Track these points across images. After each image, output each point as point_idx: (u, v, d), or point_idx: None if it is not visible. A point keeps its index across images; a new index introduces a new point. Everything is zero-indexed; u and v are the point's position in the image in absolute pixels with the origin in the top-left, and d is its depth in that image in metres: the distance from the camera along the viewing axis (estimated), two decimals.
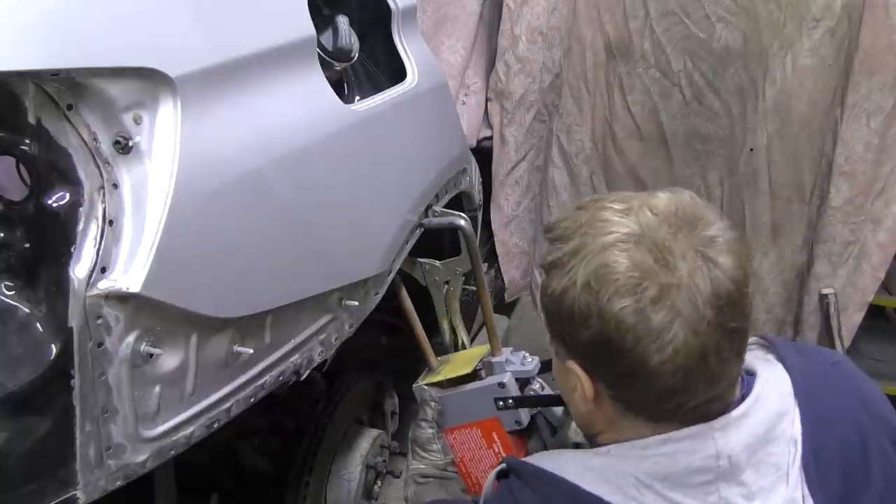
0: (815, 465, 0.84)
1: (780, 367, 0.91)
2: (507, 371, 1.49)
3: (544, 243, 0.89)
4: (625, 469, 0.83)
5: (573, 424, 1.32)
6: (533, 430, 1.45)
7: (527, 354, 1.54)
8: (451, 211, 1.74)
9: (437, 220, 1.66)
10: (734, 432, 0.82)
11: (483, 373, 1.54)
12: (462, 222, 1.64)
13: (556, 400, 1.39)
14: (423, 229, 1.65)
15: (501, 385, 1.44)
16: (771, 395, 0.86)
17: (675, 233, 0.78)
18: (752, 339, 0.97)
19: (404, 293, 1.65)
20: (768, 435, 0.83)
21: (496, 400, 1.42)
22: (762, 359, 0.92)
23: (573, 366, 0.84)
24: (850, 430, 0.87)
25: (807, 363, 0.92)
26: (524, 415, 1.43)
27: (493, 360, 1.53)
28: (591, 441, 0.93)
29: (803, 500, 0.83)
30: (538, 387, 1.49)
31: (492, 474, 0.95)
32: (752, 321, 0.82)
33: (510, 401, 1.42)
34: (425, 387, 1.53)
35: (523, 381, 1.49)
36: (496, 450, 1.44)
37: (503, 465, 0.93)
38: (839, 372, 0.94)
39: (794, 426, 0.85)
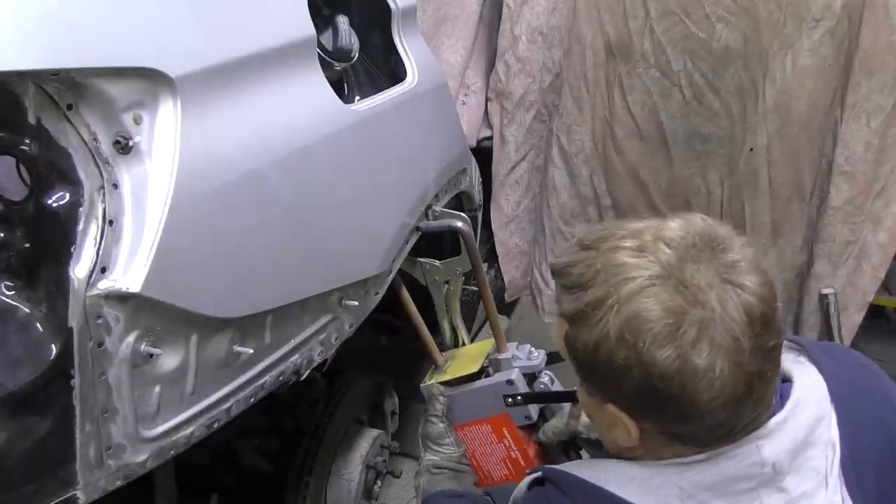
0: (854, 469, 0.84)
1: (813, 369, 0.90)
2: (514, 367, 1.49)
3: (557, 288, 0.86)
4: (668, 479, 0.82)
5: (583, 418, 1.32)
6: (540, 423, 1.45)
7: (532, 348, 1.54)
8: (450, 211, 1.74)
9: (436, 223, 1.66)
10: (776, 438, 0.81)
11: (490, 369, 1.54)
12: (460, 224, 1.64)
13: (565, 396, 1.39)
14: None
15: (509, 382, 1.44)
16: (810, 400, 0.85)
17: (696, 264, 0.77)
18: None
19: (406, 293, 1.65)
20: (808, 439, 0.83)
21: (505, 397, 1.43)
22: (794, 361, 0.92)
23: (613, 409, 0.83)
24: (880, 434, 0.87)
25: (839, 366, 0.91)
26: (533, 410, 1.43)
27: (500, 356, 1.53)
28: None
29: None
30: (547, 380, 1.50)
31: (525, 481, 0.94)
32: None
33: (519, 398, 1.42)
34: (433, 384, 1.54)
35: (531, 376, 1.49)
36: (507, 444, 1.45)
37: (538, 472, 0.92)
38: (868, 375, 0.94)
39: (831, 430, 0.85)
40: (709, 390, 0.75)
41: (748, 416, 0.79)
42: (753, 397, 0.78)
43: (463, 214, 1.78)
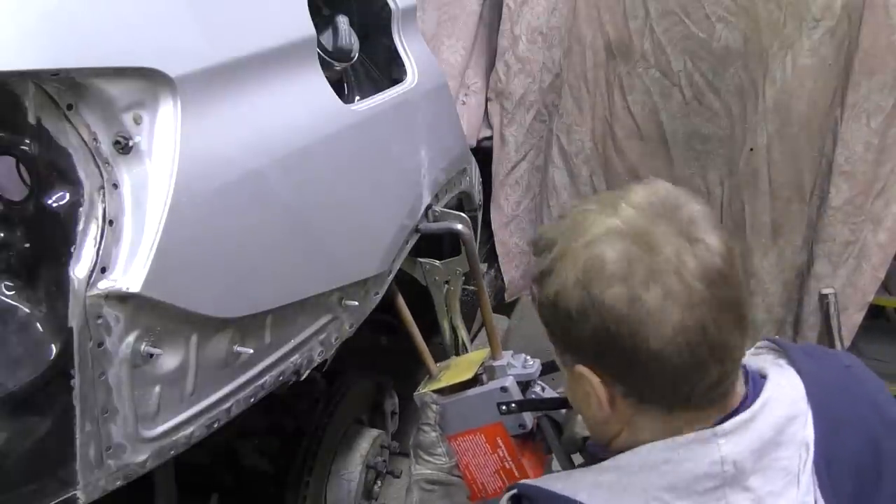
0: (828, 469, 0.84)
1: (792, 371, 0.90)
2: (508, 375, 1.48)
3: (533, 261, 0.90)
4: (633, 481, 0.83)
5: (578, 419, 1.31)
6: (538, 434, 1.44)
7: (528, 357, 1.53)
8: (450, 211, 1.74)
9: (435, 224, 1.65)
10: (739, 437, 0.81)
11: (485, 377, 1.53)
12: (460, 226, 1.63)
13: (560, 403, 1.38)
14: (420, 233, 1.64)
15: (504, 389, 1.43)
16: (781, 400, 0.85)
17: (656, 220, 0.80)
18: (762, 343, 0.98)
19: (401, 301, 1.64)
20: (777, 439, 0.83)
21: (499, 405, 1.41)
22: (773, 363, 0.92)
23: (582, 370, 0.84)
24: (862, 434, 0.87)
25: (819, 367, 0.92)
26: (528, 418, 1.42)
27: (495, 364, 1.51)
28: (605, 449, 0.92)
29: None
30: (539, 389, 1.48)
31: (503, 499, 0.94)
32: (749, 296, 0.83)
33: (513, 405, 1.41)
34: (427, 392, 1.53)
35: (525, 385, 1.48)
36: (501, 454, 1.43)
37: (514, 490, 0.92)
38: (852, 376, 0.94)
39: (805, 430, 0.85)
40: (659, 334, 0.76)
41: (709, 375, 0.80)
42: (710, 349, 0.78)
43: (463, 215, 1.78)
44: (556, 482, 0.89)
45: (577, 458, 1.40)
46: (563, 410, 1.38)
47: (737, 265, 0.81)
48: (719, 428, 0.81)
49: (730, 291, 0.79)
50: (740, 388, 0.85)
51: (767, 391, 0.86)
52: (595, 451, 0.99)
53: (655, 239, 0.78)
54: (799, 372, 0.90)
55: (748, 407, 0.83)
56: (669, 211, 0.81)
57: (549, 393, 1.49)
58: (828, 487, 0.83)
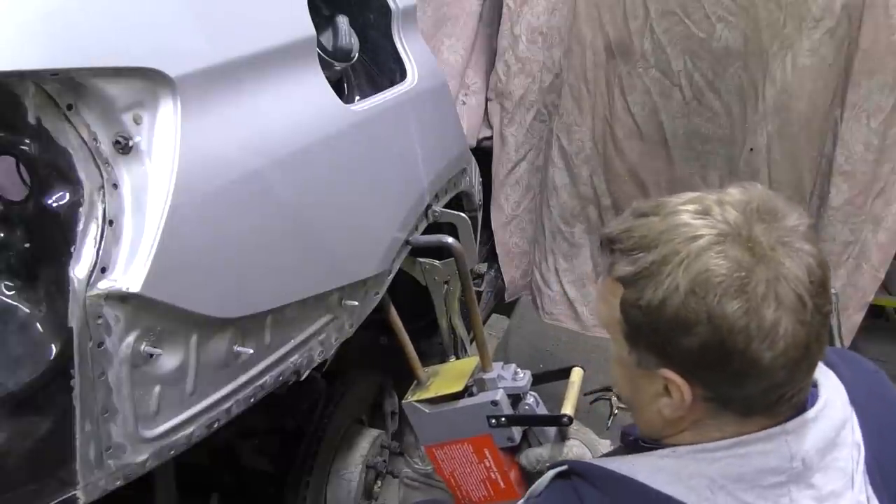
0: (878, 469, 0.85)
1: (832, 374, 0.91)
2: (499, 388, 1.47)
3: (608, 255, 0.85)
4: (698, 469, 0.82)
5: (567, 442, 1.31)
6: (523, 445, 1.44)
7: (518, 369, 1.52)
8: (451, 211, 1.74)
9: (425, 238, 1.62)
10: (806, 435, 0.82)
11: (475, 388, 1.52)
12: (450, 241, 1.59)
13: (550, 420, 1.37)
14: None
15: (494, 403, 1.42)
16: (836, 402, 0.86)
17: (762, 226, 0.78)
18: None
19: (393, 312, 1.63)
20: (835, 440, 0.84)
21: (489, 418, 1.41)
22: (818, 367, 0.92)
23: (668, 374, 0.82)
24: None
25: (853, 373, 0.93)
26: (516, 432, 1.42)
27: (485, 376, 1.50)
28: (657, 443, 0.90)
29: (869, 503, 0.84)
30: (532, 401, 1.48)
31: (549, 474, 0.92)
32: None
33: (503, 419, 1.40)
34: (415, 403, 1.52)
35: (515, 397, 1.48)
36: (487, 464, 1.43)
37: (564, 466, 0.91)
38: (881, 381, 0.96)
39: (855, 432, 0.86)
40: (772, 349, 0.75)
41: (797, 385, 0.80)
42: (808, 362, 0.79)
43: (463, 214, 1.78)
44: (611, 462, 0.88)
45: None
46: (552, 431, 1.38)
47: (829, 270, 0.80)
48: (788, 425, 0.81)
49: (828, 303, 0.79)
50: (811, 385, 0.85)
51: (825, 393, 0.86)
52: (631, 432, 0.98)
53: (765, 247, 0.77)
54: (839, 377, 0.90)
55: (810, 407, 0.84)
56: (770, 217, 0.79)
57: (541, 405, 1.48)
58: (880, 487, 0.85)
